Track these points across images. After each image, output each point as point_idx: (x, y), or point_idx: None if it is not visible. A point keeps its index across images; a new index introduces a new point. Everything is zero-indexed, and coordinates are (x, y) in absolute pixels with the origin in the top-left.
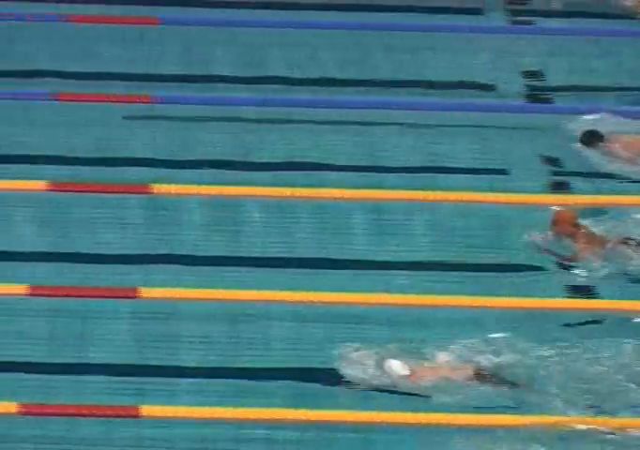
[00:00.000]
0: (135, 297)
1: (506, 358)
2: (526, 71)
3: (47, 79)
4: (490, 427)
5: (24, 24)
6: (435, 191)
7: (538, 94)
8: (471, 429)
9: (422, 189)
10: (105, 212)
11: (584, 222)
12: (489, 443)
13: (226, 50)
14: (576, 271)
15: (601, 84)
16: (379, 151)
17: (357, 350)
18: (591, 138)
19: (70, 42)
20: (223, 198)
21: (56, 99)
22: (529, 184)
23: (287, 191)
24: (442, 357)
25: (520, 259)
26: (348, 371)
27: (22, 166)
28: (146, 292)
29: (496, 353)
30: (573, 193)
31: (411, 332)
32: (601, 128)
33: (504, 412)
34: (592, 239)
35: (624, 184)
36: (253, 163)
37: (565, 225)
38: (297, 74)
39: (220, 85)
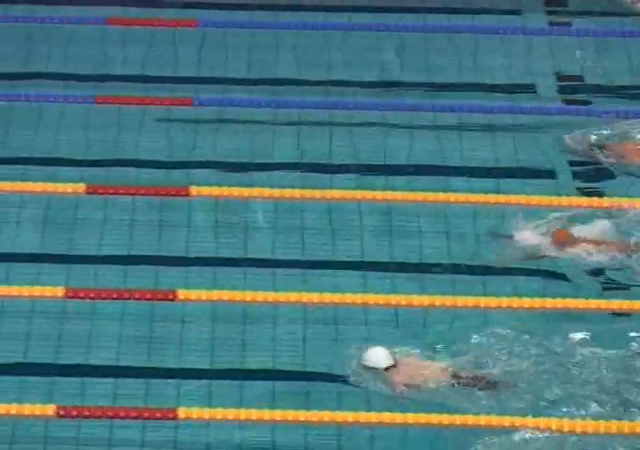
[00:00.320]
0: (173, 299)
1: (487, 359)
2: (564, 73)
3: (84, 82)
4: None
5: (62, 27)
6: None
7: (575, 96)
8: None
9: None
10: (141, 214)
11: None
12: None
13: (262, 52)
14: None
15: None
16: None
17: (360, 349)
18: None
19: (107, 45)
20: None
21: (94, 102)
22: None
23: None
24: (424, 357)
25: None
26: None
27: (59, 168)
28: (184, 295)
29: (477, 355)
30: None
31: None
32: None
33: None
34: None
35: None
36: (283, 164)
37: (564, 245)
38: (336, 75)
39: (260, 87)
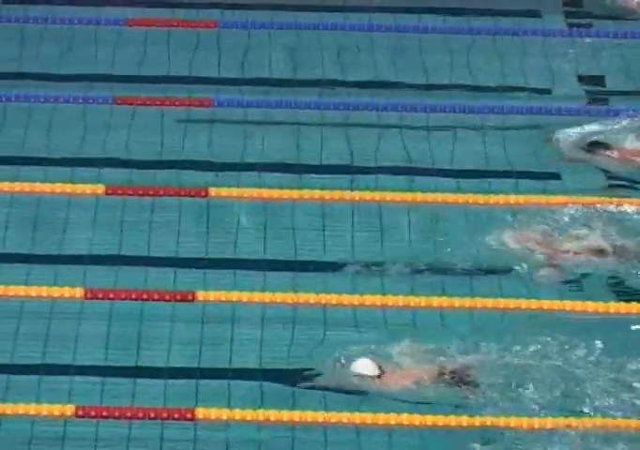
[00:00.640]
0: (192, 301)
1: (470, 359)
2: (584, 74)
3: (105, 83)
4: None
5: (84, 28)
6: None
7: (595, 98)
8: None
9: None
10: (161, 215)
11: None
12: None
13: (284, 53)
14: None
15: None
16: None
17: (343, 351)
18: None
19: (129, 46)
20: (280, 202)
21: (114, 103)
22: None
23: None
24: (406, 358)
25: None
26: (327, 372)
27: (79, 169)
28: (203, 296)
29: (461, 354)
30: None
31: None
32: None
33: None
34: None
35: None
36: (310, 166)
37: (534, 244)
38: (351, 77)
39: (279, 89)
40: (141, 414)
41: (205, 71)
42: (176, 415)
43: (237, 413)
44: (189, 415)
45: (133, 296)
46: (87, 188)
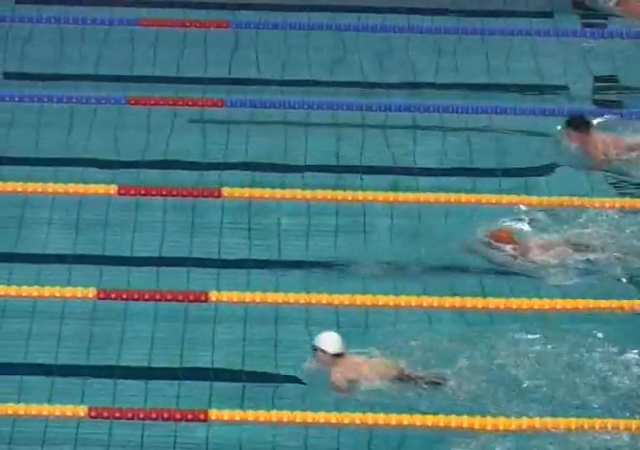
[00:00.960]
0: (205, 301)
1: (432, 358)
2: (598, 74)
3: (117, 82)
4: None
5: (96, 28)
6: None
7: (608, 98)
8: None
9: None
10: (174, 216)
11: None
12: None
13: (297, 52)
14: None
15: None
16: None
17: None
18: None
19: (141, 46)
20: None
21: (127, 103)
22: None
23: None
24: (366, 357)
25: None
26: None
27: (91, 169)
28: (216, 296)
29: (424, 353)
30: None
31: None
32: None
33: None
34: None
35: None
36: (320, 166)
37: (505, 245)
38: (373, 78)
39: (292, 88)
40: (154, 415)
41: (218, 71)
42: (190, 416)
43: (250, 414)
44: (202, 416)
45: (146, 296)
46: (100, 188)
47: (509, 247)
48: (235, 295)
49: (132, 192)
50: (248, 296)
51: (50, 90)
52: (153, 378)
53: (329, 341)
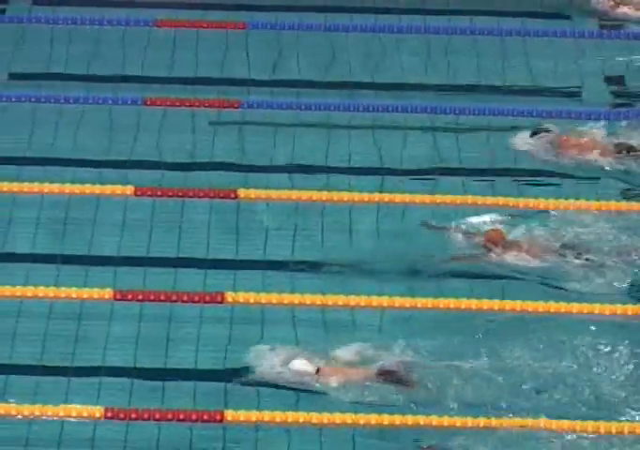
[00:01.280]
0: (222, 302)
1: (409, 359)
2: (612, 76)
3: (134, 84)
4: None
5: (113, 29)
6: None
7: (623, 100)
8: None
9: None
10: (190, 217)
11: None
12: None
13: (314, 54)
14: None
15: None
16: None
17: (270, 349)
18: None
19: (158, 47)
20: (310, 203)
21: (144, 104)
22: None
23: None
24: (346, 357)
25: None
26: (260, 370)
27: (107, 170)
28: (233, 297)
29: (400, 354)
30: None
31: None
32: None
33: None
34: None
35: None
36: (338, 168)
37: (495, 246)
38: (379, 79)
39: (307, 90)
40: (170, 416)
41: (234, 73)
42: (205, 417)
43: (267, 415)
44: (218, 417)
45: (162, 297)
46: (116, 189)
47: (497, 249)
48: (251, 296)
49: (149, 193)
50: (264, 297)
51: (65, 91)
52: (170, 378)
53: (299, 367)
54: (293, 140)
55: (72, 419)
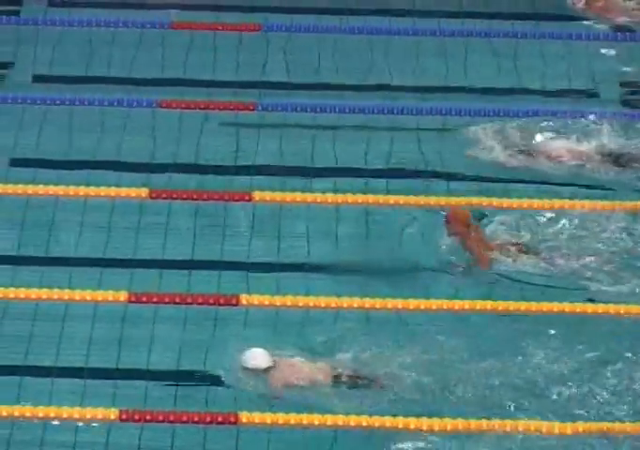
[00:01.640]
0: (236, 305)
1: (366, 358)
2: (625, 79)
3: (148, 86)
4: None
5: (128, 31)
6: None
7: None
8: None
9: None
10: (205, 220)
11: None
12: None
13: (329, 56)
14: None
15: None
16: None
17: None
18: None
19: (173, 49)
20: (326, 205)
21: (159, 106)
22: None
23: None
24: (301, 357)
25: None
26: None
27: (122, 173)
28: (247, 300)
29: (357, 352)
30: None
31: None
32: None
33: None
34: (481, 241)
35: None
36: (357, 169)
37: (458, 224)
38: (399, 81)
39: (324, 92)
40: (184, 418)
41: (249, 75)
42: (220, 419)
43: (281, 417)
44: (232, 419)
45: (177, 300)
46: (131, 192)
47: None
48: (266, 299)
49: (164, 196)
50: (278, 300)
51: (81, 93)
52: (183, 380)
53: (256, 359)
54: (309, 142)
55: (87, 422)
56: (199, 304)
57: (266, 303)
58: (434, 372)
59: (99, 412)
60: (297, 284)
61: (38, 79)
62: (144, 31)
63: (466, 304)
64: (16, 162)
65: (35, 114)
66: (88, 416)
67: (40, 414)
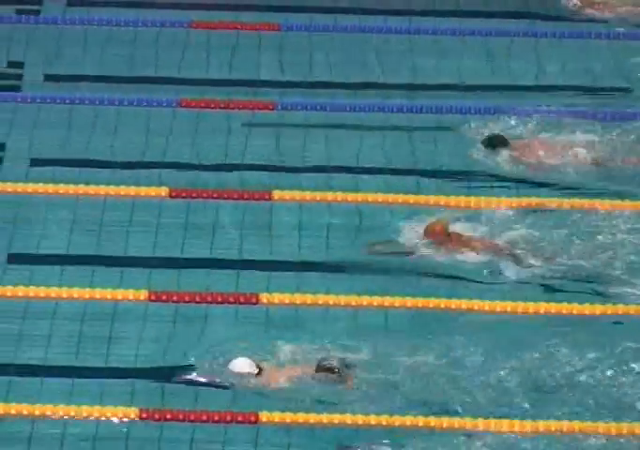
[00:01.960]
0: (256, 303)
1: (351, 355)
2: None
3: (169, 85)
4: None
5: (147, 30)
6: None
7: None
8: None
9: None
10: (224, 218)
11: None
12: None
13: (345, 56)
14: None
15: None
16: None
17: (209, 349)
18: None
19: (193, 48)
20: (348, 204)
21: (179, 106)
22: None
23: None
24: (287, 355)
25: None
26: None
27: (142, 172)
28: (267, 298)
29: (341, 351)
30: None
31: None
32: None
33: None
34: (465, 243)
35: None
36: (373, 169)
37: (436, 236)
38: (419, 80)
39: (341, 91)
40: (204, 417)
41: (268, 74)
42: (240, 418)
43: (301, 417)
44: (252, 419)
45: (197, 299)
46: (151, 191)
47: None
48: (286, 297)
49: (183, 195)
50: (298, 298)
51: (101, 92)
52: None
53: (241, 368)
54: (327, 141)
55: (107, 420)
56: (218, 302)
57: (287, 302)
58: (450, 372)
59: (120, 411)
60: (316, 283)
61: (52, 78)
62: (164, 30)
63: (486, 305)
64: (38, 162)
65: (53, 114)
66: (108, 414)
67: (60, 413)
